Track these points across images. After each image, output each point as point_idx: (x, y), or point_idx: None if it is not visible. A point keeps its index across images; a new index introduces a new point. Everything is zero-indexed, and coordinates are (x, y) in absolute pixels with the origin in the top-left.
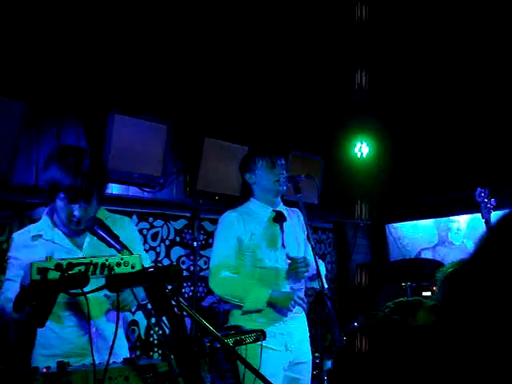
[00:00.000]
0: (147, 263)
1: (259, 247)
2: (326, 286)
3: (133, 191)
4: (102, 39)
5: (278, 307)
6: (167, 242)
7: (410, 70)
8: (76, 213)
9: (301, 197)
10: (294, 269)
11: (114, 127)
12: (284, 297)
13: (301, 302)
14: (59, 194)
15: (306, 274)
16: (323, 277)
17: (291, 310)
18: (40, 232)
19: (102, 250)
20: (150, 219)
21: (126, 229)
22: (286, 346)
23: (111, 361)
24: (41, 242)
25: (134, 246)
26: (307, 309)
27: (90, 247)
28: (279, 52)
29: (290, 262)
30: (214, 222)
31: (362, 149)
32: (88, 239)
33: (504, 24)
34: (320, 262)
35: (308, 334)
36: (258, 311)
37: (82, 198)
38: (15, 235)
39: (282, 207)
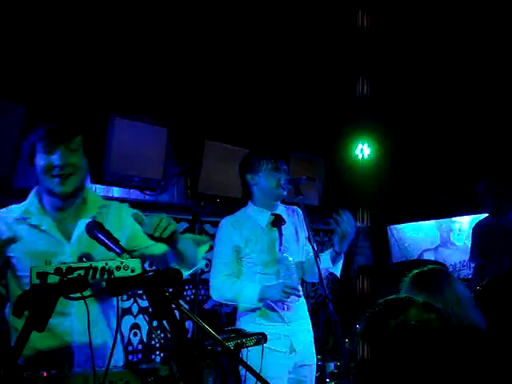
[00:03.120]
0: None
1: (257, 253)
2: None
3: (134, 194)
4: (101, 43)
5: (271, 300)
6: None
7: (412, 72)
8: (56, 161)
9: (302, 199)
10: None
11: (114, 130)
12: (273, 289)
13: (290, 290)
14: (37, 148)
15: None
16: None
17: (285, 300)
18: (25, 215)
19: (92, 245)
20: None
21: (123, 218)
22: (291, 348)
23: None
24: (25, 227)
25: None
26: (310, 311)
27: (80, 240)
28: (280, 54)
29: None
30: (216, 225)
31: (363, 150)
32: (78, 232)
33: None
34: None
35: (313, 336)
36: (254, 310)
37: (63, 139)
38: None
39: (281, 209)
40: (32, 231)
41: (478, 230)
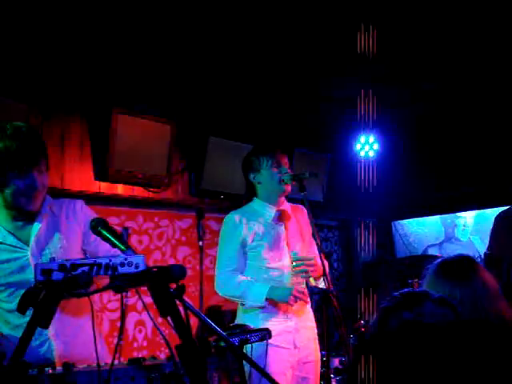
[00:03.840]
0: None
1: (263, 247)
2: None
3: (138, 191)
4: (105, 39)
5: (278, 301)
6: (173, 242)
7: (416, 68)
8: (31, 184)
9: (305, 195)
10: (299, 268)
11: (118, 127)
12: (282, 291)
13: (300, 295)
14: (8, 173)
15: (310, 275)
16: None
17: (292, 305)
18: None
19: (51, 241)
20: (156, 219)
21: (77, 213)
22: (295, 344)
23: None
24: None
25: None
26: (314, 307)
27: (38, 240)
28: (283, 49)
29: (295, 261)
30: (220, 221)
31: (367, 146)
32: (35, 231)
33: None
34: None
35: (316, 332)
36: (261, 308)
37: (34, 164)
38: None
39: (286, 205)
40: None
41: (500, 219)
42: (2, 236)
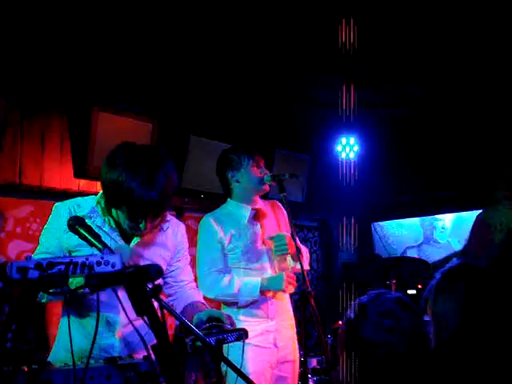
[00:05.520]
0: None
1: (240, 248)
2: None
3: None
4: (86, 37)
5: (272, 290)
6: None
7: (401, 69)
8: (141, 226)
9: (285, 195)
10: (278, 246)
11: (98, 125)
12: (276, 279)
13: (292, 280)
14: (120, 205)
15: (285, 250)
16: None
17: (285, 291)
18: (91, 214)
19: (149, 249)
20: None
21: (179, 236)
22: (275, 343)
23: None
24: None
25: (182, 254)
26: (293, 307)
27: (138, 245)
28: (264, 51)
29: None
30: (200, 220)
31: (347, 148)
32: (138, 239)
33: (501, 24)
34: (303, 247)
35: (295, 331)
36: (253, 302)
37: (152, 213)
38: (60, 205)
39: (260, 204)
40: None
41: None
42: (108, 227)
